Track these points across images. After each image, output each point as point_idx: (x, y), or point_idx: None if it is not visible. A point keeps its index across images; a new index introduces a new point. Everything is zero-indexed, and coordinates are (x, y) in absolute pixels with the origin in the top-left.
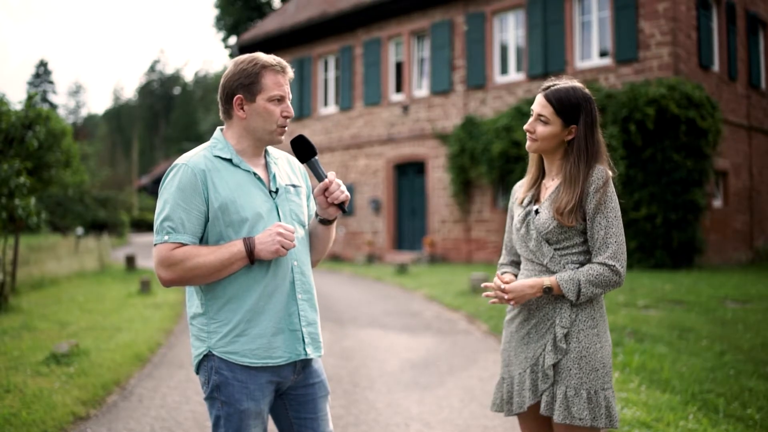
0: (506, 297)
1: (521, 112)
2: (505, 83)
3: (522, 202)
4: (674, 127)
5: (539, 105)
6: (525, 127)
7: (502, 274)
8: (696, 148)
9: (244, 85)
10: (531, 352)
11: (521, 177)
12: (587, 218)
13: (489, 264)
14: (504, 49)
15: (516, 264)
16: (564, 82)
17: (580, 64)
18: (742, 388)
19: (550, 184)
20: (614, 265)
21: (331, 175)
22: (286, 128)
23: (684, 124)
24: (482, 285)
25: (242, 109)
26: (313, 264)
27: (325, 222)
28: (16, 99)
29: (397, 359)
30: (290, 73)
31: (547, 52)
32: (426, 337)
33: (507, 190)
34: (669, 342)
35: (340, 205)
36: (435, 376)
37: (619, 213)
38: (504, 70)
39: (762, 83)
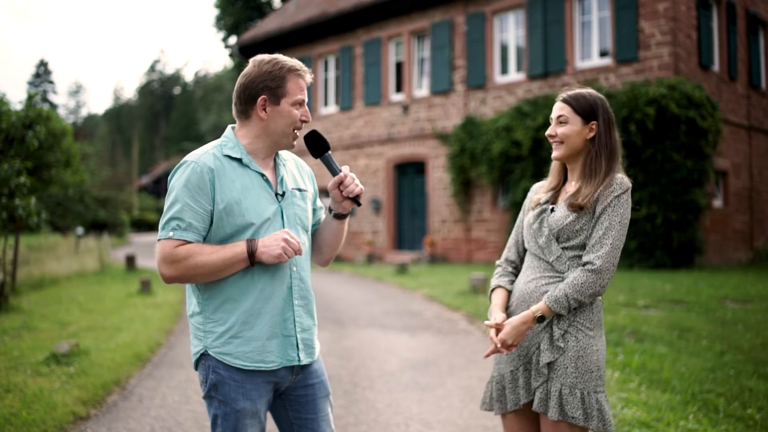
0: (506, 346)
1: (521, 112)
2: (506, 83)
3: (539, 202)
4: (674, 127)
5: (557, 109)
6: (547, 132)
7: (492, 315)
8: (696, 148)
9: (270, 87)
10: (524, 351)
11: (521, 177)
12: (594, 216)
13: (489, 264)
14: (504, 49)
15: (515, 267)
16: (578, 87)
17: (580, 64)
18: (742, 388)
19: (570, 188)
20: (599, 266)
21: (345, 169)
22: (299, 132)
23: (684, 124)
24: (486, 325)
25: (265, 110)
26: (326, 261)
27: (340, 216)
28: (17, 99)
29: (397, 359)
30: (309, 78)
31: (547, 52)
32: (426, 337)
33: (507, 190)
34: (669, 342)
35: (355, 199)
36: (435, 376)
37: (626, 222)
38: (504, 70)
39: (762, 83)
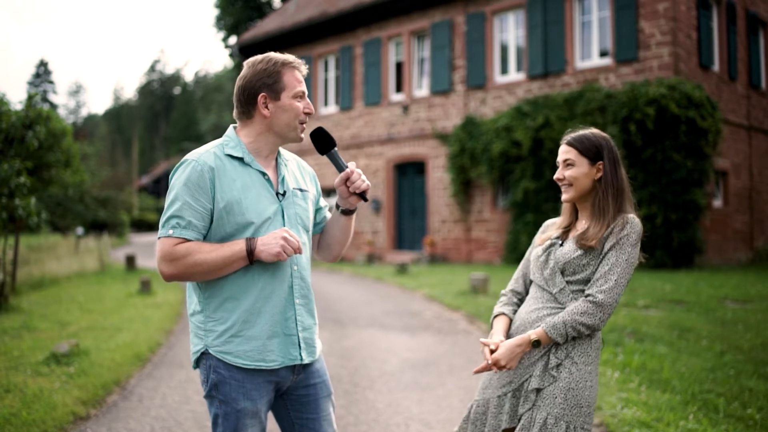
0: (498, 366)
1: (521, 112)
2: (506, 83)
3: (549, 238)
4: (674, 127)
5: (563, 153)
6: (555, 177)
7: (491, 334)
8: (696, 148)
9: (267, 84)
10: (517, 377)
11: (521, 177)
12: (602, 252)
13: (489, 264)
14: (504, 49)
15: (519, 299)
16: (581, 129)
17: (580, 64)
18: (742, 388)
19: (580, 226)
20: (601, 300)
21: (351, 165)
22: (306, 125)
23: (684, 124)
24: (481, 342)
25: (266, 107)
26: (335, 257)
27: (347, 212)
28: (17, 99)
29: (397, 359)
30: (304, 69)
31: (547, 52)
32: (426, 337)
33: (507, 190)
34: (669, 342)
35: (362, 194)
36: (435, 376)
37: (633, 262)
38: (504, 70)
39: (762, 83)
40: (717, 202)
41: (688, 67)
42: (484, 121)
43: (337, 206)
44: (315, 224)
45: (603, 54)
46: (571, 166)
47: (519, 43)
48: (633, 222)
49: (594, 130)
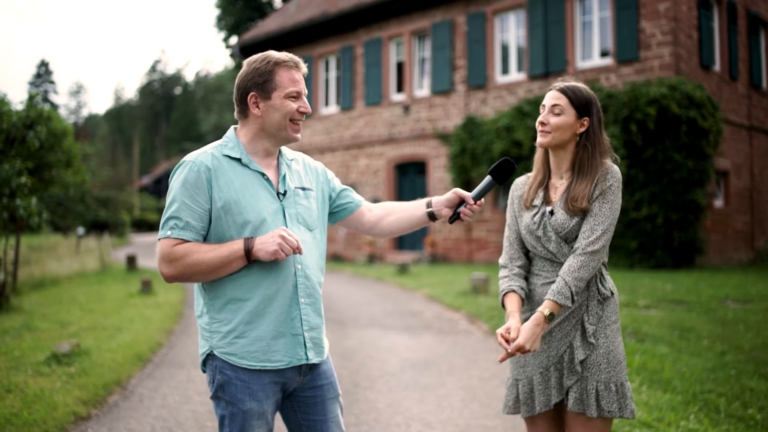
0: (523, 351)
1: (522, 112)
2: (506, 83)
3: (531, 203)
4: (675, 127)
5: (553, 98)
6: (539, 119)
7: (507, 315)
8: (697, 148)
9: (258, 83)
10: (554, 351)
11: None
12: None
13: (490, 264)
14: (505, 49)
15: (520, 267)
16: (572, 80)
17: (581, 64)
18: (743, 388)
19: (560, 183)
20: (592, 250)
21: (480, 202)
22: (301, 124)
23: (685, 124)
24: (499, 340)
25: (257, 107)
26: (387, 236)
27: (432, 217)
28: (18, 99)
29: (397, 359)
30: (304, 68)
31: (548, 52)
32: (426, 337)
33: (508, 190)
34: (670, 342)
35: (457, 218)
36: (435, 376)
37: (617, 207)
38: (505, 70)
39: (763, 83)
40: (718, 202)
41: (689, 67)
42: (484, 121)
43: (428, 206)
44: (340, 207)
45: (604, 54)
46: (558, 115)
47: (520, 43)
48: (612, 170)
49: (584, 85)
